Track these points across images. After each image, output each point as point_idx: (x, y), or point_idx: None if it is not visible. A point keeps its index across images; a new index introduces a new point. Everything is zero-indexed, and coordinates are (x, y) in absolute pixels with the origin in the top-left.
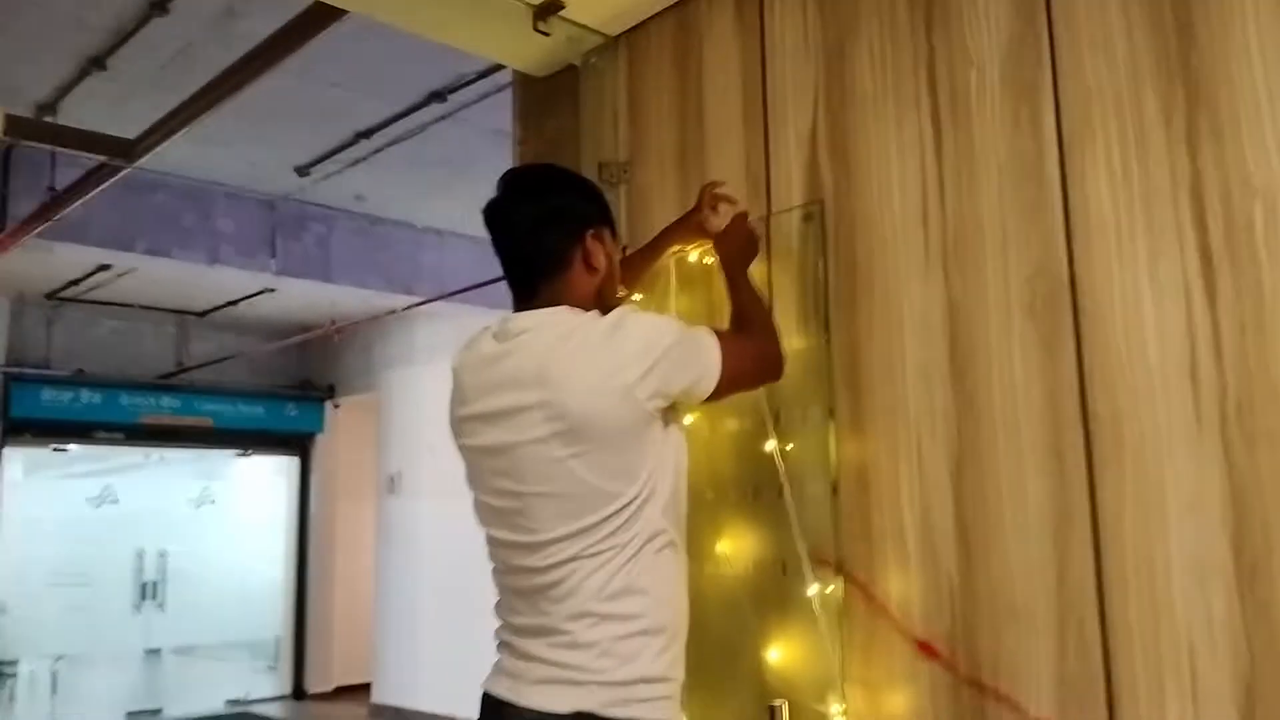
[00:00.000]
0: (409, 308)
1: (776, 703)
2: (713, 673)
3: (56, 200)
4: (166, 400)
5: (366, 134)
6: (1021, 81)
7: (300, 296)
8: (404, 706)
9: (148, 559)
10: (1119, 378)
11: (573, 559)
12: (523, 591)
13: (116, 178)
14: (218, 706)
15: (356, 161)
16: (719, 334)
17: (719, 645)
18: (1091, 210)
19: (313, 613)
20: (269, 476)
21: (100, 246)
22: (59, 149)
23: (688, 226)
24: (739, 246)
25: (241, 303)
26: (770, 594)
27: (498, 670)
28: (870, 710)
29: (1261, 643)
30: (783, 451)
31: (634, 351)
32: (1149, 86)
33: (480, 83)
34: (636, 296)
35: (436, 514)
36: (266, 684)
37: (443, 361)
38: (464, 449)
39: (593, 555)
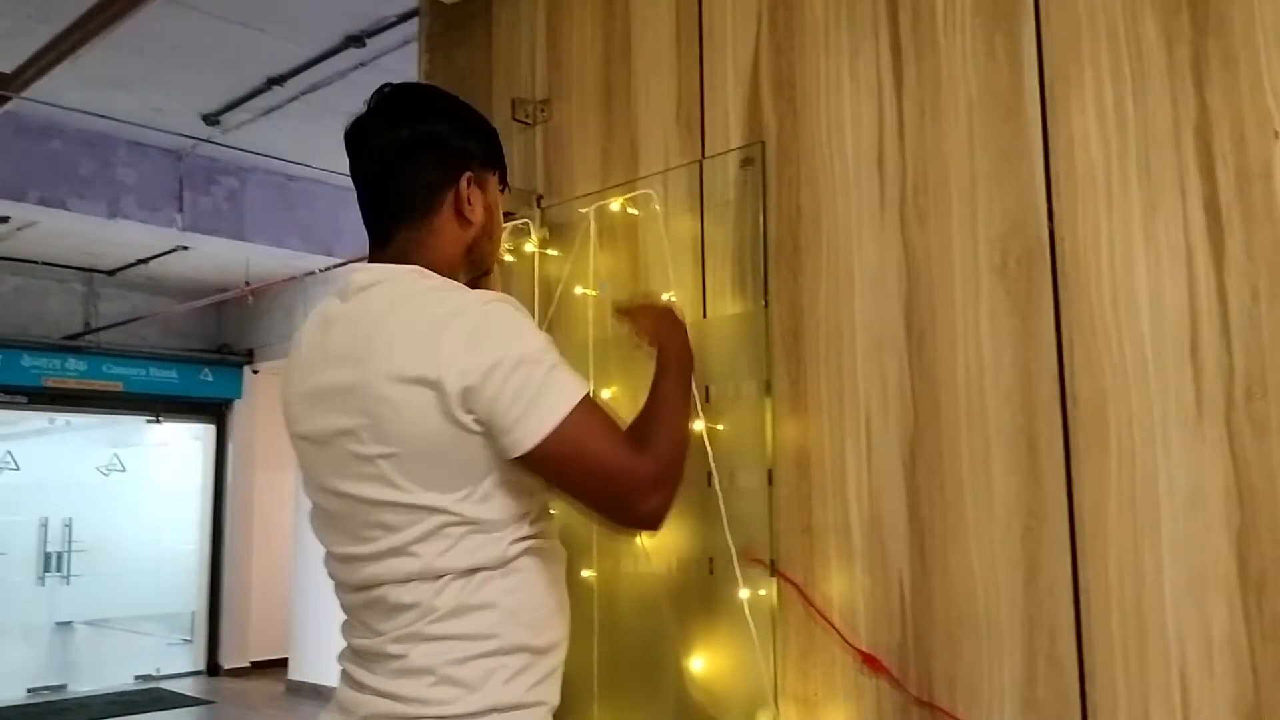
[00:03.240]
0: (328, 269)
1: None
2: (628, 685)
3: None
4: (72, 363)
5: (279, 80)
6: (997, 5)
7: (215, 256)
8: (321, 683)
9: (52, 529)
10: (1105, 354)
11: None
12: (355, 609)
13: None
14: (127, 682)
15: (269, 110)
16: (594, 405)
17: (636, 654)
18: (1077, 155)
19: (228, 586)
20: (183, 444)
21: None
22: None
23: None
24: (670, 343)
25: (153, 261)
26: (695, 596)
27: (332, 704)
28: None
29: (1270, 667)
30: (713, 433)
31: (473, 349)
32: (1148, 8)
33: (402, 26)
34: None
35: None
36: (180, 659)
37: None
38: (293, 438)
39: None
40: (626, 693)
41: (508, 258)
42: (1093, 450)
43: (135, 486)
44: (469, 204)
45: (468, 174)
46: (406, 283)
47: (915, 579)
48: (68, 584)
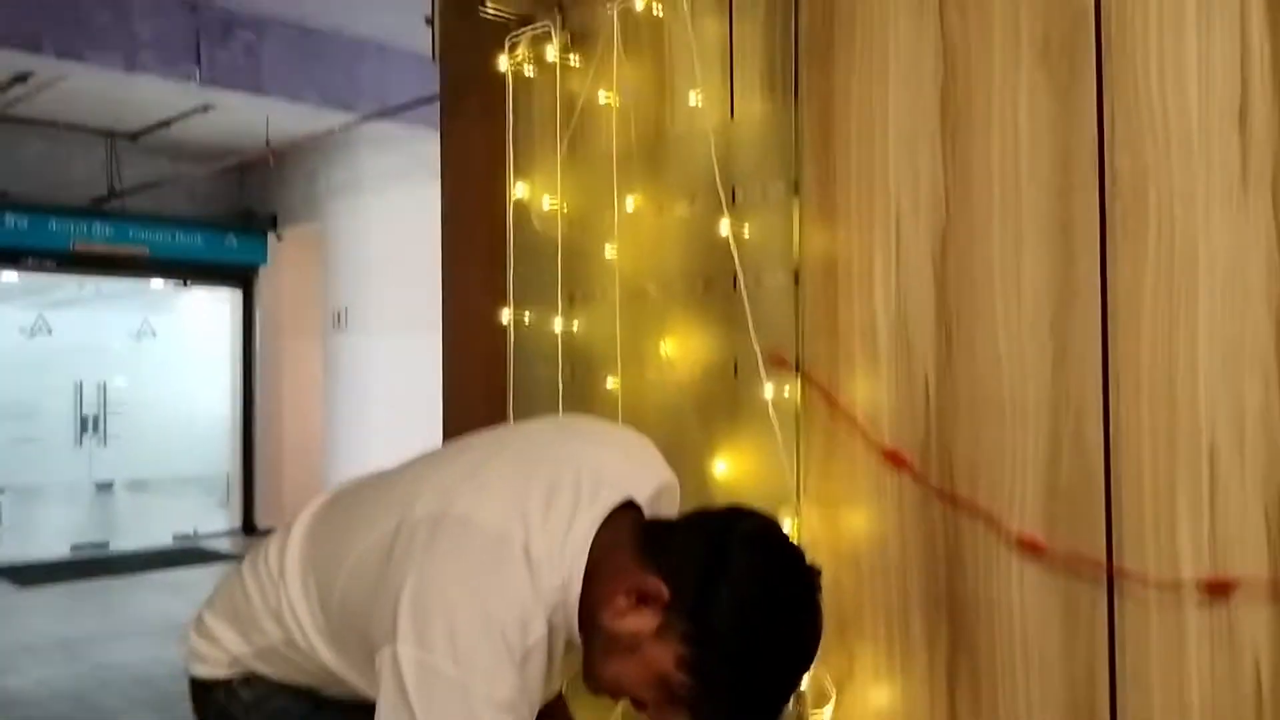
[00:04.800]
0: (345, 126)
1: None
2: None
3: None
4: (99, 227)
5: None
6: None
7: (236, 117)
8: None
9: (86, 392)
10: (1148, 127)
11: None
12: None
13: None
14: (166, 541)
15: None
16: None
17: None
18: None
19: (261, 449)
20: (212, 309)
21: (0, 46)
22: None
23: None
24: None
25: (175, 124)
26: (719, 399)
27: None
28: (827, 529)
29: None
30: (739, 236)
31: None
32: None
33: None
34: None
35: (385, 351)
36: (217, 519)
37: (391, 190)
38: None
39: None
40: None
41: (527, 70)
42: (1130, 229)
43: (166, 351)
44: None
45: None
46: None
47: (940, 373)
48: (104, 446)
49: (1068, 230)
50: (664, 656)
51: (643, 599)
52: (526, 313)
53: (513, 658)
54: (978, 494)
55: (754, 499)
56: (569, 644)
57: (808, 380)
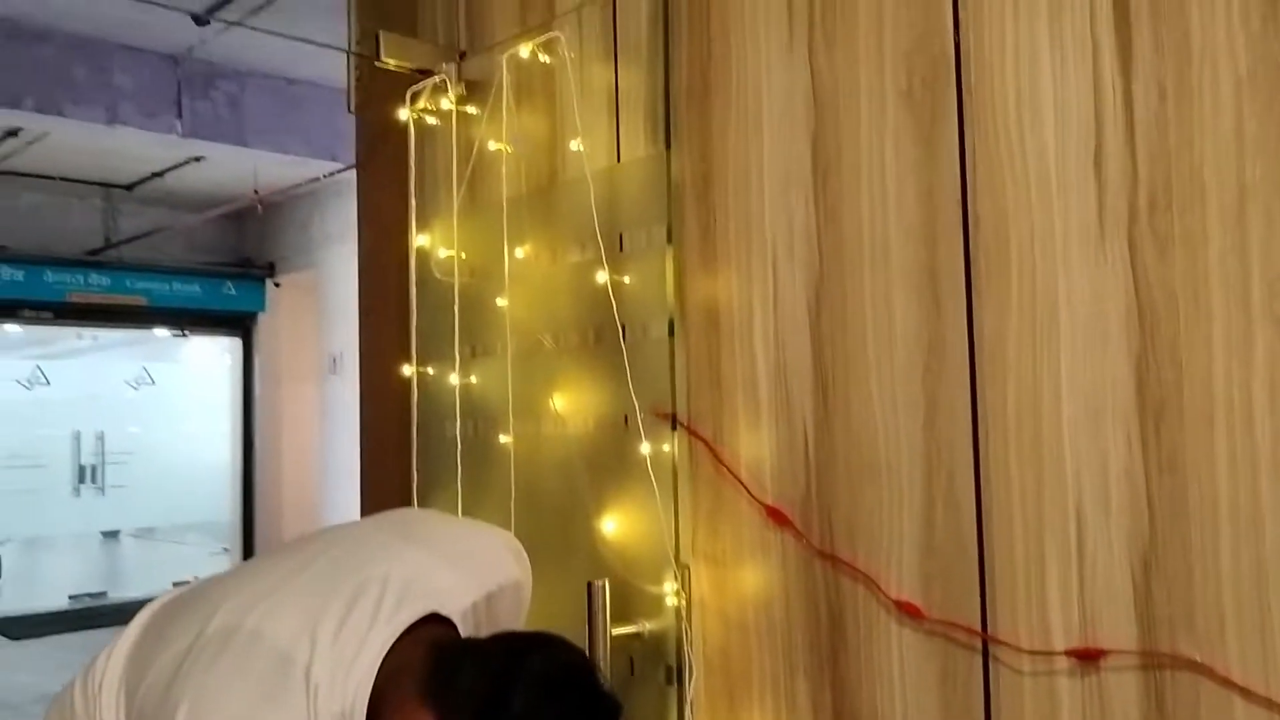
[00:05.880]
0: (332, 174)
1: (596, 582)
2: (545, 549)
3: None
4: (95, 278)
5: None
6: None
7: (228, 167)
8: None
9: (85, 441)
10: (1007, 170)
11: None
12: None
13: None
14: (165, 588)
15: (257, 9)
16: None
17: (553, 517)
18: None
19: (261, 493)
20: (211, 357)
21: None
22: None
23: None
24: None
25: (168, 174)
26: (610, 454)
27: None
28: (714, 590)
29: (1165, 499)
30: (623, 285)
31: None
32: None
33: None
34: None
35: None
36: (218, 566)
37: None
38: None
39: None
40: (545, 556)
41: (428, 119)
42: (993, 276)
43: (165, 399)
44: None
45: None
46: None
47: (819, 428)
48: (103, 495)
49: (935, 278)
50: None
51: None
52: (430, 366)
53: None
54: (857, 554)
55: (640, 559)
56: None
57: (692, 434)
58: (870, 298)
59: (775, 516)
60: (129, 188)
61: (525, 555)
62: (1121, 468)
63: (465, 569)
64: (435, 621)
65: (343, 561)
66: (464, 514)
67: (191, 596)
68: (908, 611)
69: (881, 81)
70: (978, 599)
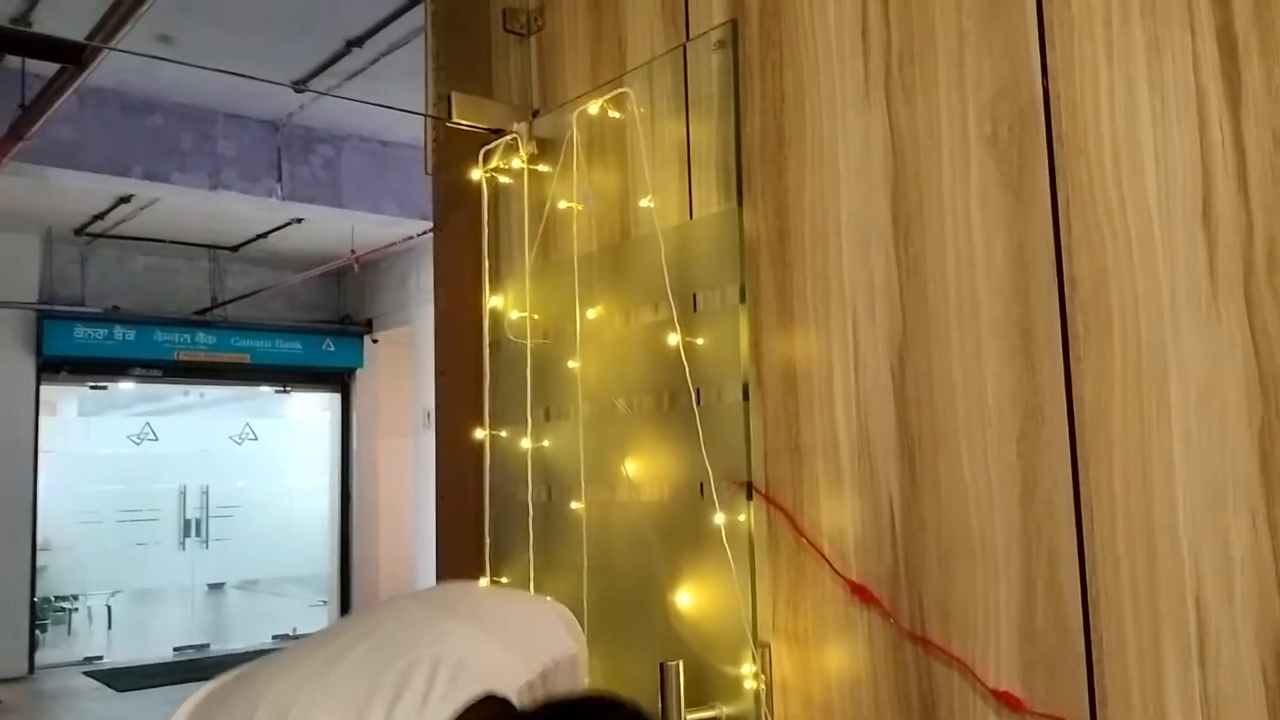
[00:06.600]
0: (424, 234)
1: (669, 663)
2: (616, 624)
3: (27, 114)
4: (202, 336)
5: (357, 42)
6: None
7: (328, 227)
8: None
9: (190, 496)
10: (1106, 225)
11: None
12: None
13: (76, 84)
14: (265, 641)
15: (353, 75)
16: None
17: (625, 588)
18: None
19: (358, 547)
20: (311, 413)
21: (94, 171)
22: (28, 62)
23: None
24: None
25: (272, 235)
26: (685, 523)
27: None
28: (795, 672)
29: None
30: (692, 346)
31: None
32: None
33: None
34: None
35: None
36: (317, 618)
37: None
38: None
39: None
40: (617, 632)
41: (501, 179)
42: (1094, 339)
43: (268, 454)
44: None
45: None
46: None
47: (905, 499)
48: (206, 548)
49: (1028, 339)
50: None
51: None
52: (503, 429)
53: None
54: (950, 638)
55: (717, 636)
56: None
57: (770, 503)
58: (959, 359)
59: (861, 594)
60: (234, 249)
61: (578, 625)
62: (1246, 550)
63: (518, 646)
64: (491, 702)
65: (391, 641)
66: (535, 583)
67: (237, 685)
68: (1007, 703)
69: (965, 128)
70: (1085, 691)
